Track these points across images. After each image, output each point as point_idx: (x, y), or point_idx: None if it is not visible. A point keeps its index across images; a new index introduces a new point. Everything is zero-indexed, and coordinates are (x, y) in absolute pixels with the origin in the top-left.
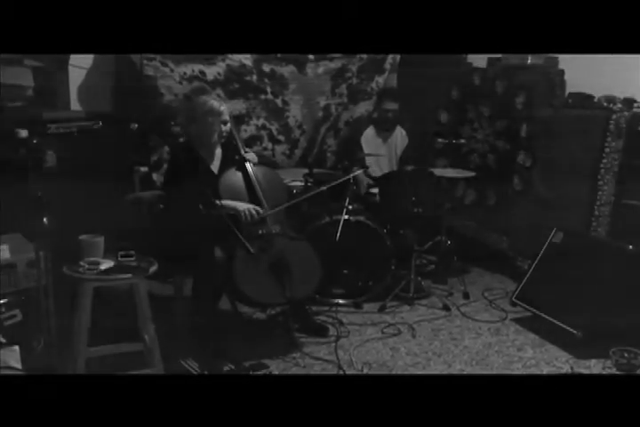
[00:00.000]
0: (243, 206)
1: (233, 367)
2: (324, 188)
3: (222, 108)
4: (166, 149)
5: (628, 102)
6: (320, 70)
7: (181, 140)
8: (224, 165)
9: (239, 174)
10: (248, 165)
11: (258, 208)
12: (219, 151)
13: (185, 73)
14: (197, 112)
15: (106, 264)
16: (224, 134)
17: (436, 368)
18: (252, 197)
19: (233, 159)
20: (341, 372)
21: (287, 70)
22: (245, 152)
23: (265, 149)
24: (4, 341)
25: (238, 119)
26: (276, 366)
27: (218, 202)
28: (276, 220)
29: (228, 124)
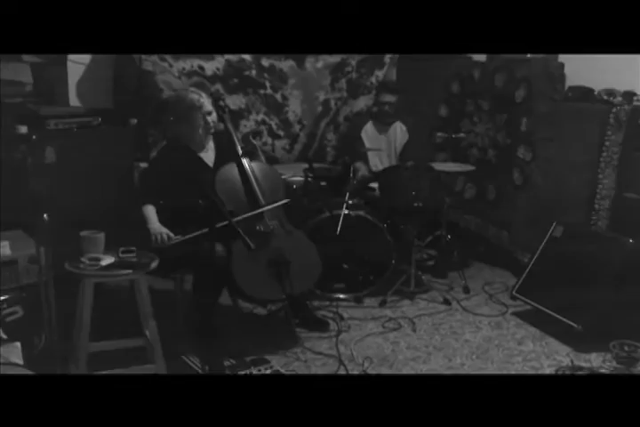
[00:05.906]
0: (157, 230)
1: (234, 363)
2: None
3: (202, 100)
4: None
5: (629, 96)
6: (319, 65)
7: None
8: (219, 158)
9: (235, 170)
10: (244, 160)
11: (171, 235)
12: (211, 144)
13: (184, 68)
14: (179, 109)
15: (106, 260)
16: (211, 125)
17: (437, 362)
18: (249, 193)
19: (228, 151)
20: (342, 366)
21: (286, 65)
22: (242, 148)
23: (265, 144)
24: (5, 337)
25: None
26: (277, 361)
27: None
28: (274, 215)
29: (213, 114)
